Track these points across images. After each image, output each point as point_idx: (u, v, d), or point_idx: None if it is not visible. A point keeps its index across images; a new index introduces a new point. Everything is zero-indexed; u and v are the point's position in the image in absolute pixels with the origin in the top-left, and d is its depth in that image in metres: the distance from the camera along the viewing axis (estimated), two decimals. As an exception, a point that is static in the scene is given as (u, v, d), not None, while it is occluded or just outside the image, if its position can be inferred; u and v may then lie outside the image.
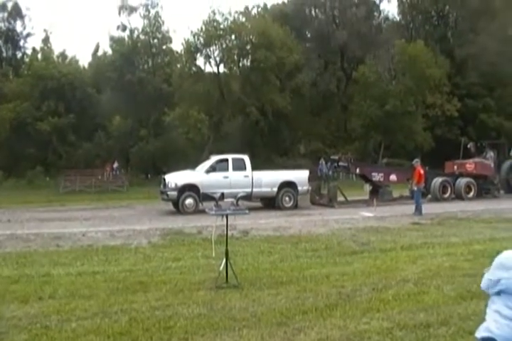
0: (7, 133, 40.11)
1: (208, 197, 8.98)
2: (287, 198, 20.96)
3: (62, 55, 47.08)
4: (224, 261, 7.74)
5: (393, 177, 24.13)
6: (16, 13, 47.98)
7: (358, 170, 24.42)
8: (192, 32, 38.41)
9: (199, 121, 36.25)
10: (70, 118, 39.72)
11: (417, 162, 19.38)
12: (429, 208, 18.53)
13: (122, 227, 15.09)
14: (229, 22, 39.11)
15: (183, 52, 40.58)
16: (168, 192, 19.94)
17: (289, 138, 42.55)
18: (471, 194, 24.12)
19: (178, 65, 41.57)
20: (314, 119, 43.69)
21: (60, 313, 6.49)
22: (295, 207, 21.12)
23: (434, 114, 42.08)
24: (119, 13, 42.87)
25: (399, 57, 40.64)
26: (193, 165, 22.39)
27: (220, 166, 20.48)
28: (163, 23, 43.64)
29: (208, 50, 38.42)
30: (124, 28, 43.49)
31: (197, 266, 9.19)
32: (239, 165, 20.60)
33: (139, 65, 43.46)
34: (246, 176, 20.46)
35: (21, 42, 49.12)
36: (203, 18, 39.77)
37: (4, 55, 48.61)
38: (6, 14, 47.96)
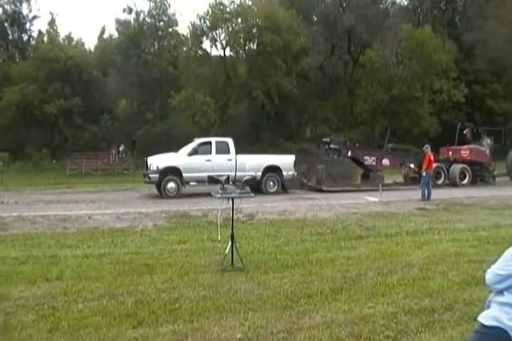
0: (14, 115, 40.14)
1: (214, 180, 8.91)
2: (271, 183, 20.71)
3: (68, 38, 46.88)
4: (229, 244, 7.78)
5: (386, 161, 23.91)
6: (22, -5, 47.68)
7: (349, 153, 23.71)
8: (198, 15, 38.26)
9: (205, 105, 36.11)
10: (76, 100, 39.65)
11: (427, 148, 19.37)
12: (434, 194, 18.48)
13: (128, 210, 15.15)
14: (235, 5, 38.92)
15: (189, 36, 40.36)
16: (150, 175, 19.69)
17: (295, 122, 42.44)
18: (466, 180, 23.95)
19: (184, 48, 41.36)
20: (320, 103, 43.50)
21: (67, 294, 6.56)
22: (284, 191, 20.99)
23: (440, 100, 41.79)
24: (125, -4, 42.63)
25: (406, 41, 40.28)
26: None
27: (203, 149, 20.15)
28: (169, 6, 43.50)
29: (214, 33, 38.22)
30: (130, 11, 43.26)
31: (202, 249, 9.24)
32: (222, 149, 20.31)
33: (145, 47, 43.23)
34: (229, 160, 20.18)
35: (27, 25, 48.75)
36: (209, 2, 39.55)
37: (10, 37, 48.30)
38: (12, -4, 47.61)
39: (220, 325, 5.44)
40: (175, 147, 22.00)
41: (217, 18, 37.28)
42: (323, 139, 25.79)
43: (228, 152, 20.36)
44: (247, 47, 40.05)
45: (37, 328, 5.42)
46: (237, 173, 19.83)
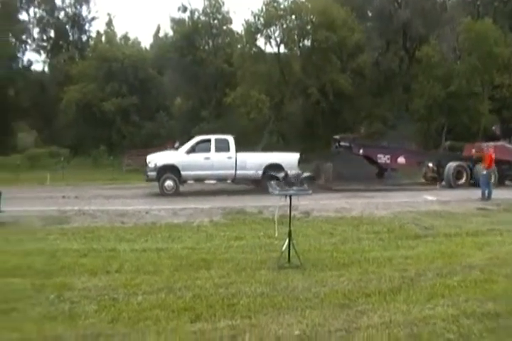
0: (74, 113, 41.33)
1: (271, 177, 8.91)
2: (273, 182, 20.10)
3: (125, 38, 47.87)
4: (287, 241, 7.78)
5: (401, 159, 22.54)
6: (82, -2, 49.21)
7: (361, 151, 22.56)
8: (252, 12, 38.27)
9: (260, 102, 36.13)
10: (133, 98, 40.49)
11: (488, 146, 18.68)
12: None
13: (184, 206, 15.29)
14: (289, 2, 38.76)
15: (243, 33, 40.49)
16: (148, 173, 19.60)
17: (350, 119, 41.97)
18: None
19: (239, 46, 41.47)
20: (376, 100, 42.89)
21: (127, 287, 6.73)
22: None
23: (501, 96, 40.45)
24: (180, -5, 43.12)
25: (465, 35, 39.10)
26: (253, 145, 22.34)
27: (202, 147, 19.78)
28: (223, 3, 43.77)
29: (268, 30, 38.17)
30: (184, 9, 43.75)
31: (259, 246, 9.28)
32: (222, 146, 19.85)
33: (200, 45, 43.61)
34: (229, 157, 19.74)
35: (86, 26, 50.53)
36: (263, -1, 39.57)
37: (71, 38, 49.94)
38: (73, 0, 49.11)
39: (278, 321, 5.44)
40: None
41: (272, 15, 37.23)
42: (334, 136, 24.49)
43: (228, 150, 19.87)
44: (301, 44, 39.87)
45: (99, 318, 5.60)
46: (238, 171, 19.71)
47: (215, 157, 19.62)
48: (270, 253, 8.51)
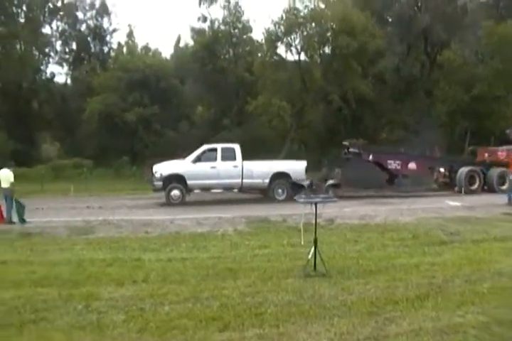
0: (96, 124, 41.72)
1: (297, 186, 8.90)
2: (280, 190, 19.69)
3: (146, 48, 48.20)
4: (312, 249, 7.75)
5: (412, 165, 22.19)
6: (103, 10, 49.90)
7: (371, 157, 22.07)
8: (272, 21, 38.31)
9: (281, 110, 36.14)
10: (155, 108, 40.68)
11: (502, 150, 18.39)
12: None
13: (207, 215, 15.34)
14: (309, 9, 38.72)
15: (263, 41, 40.56)
16: (154, 183, 19.68)
17: (372, 125, 41.77)
18: (505, 186, 20.79)
19: (259, 54, 41.55)
20: (397, 106, 42.61)
21: (154, 297, 6.76)
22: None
23: (526, 99, 39.96)
24: (200, 5, 43.22)
25: (487, 39, 38.73)
26: (275, 153, 22.29)
27: (208, 156, 19.75)
28: (243, 13, 43.85)
29: (288, 38, 38.19)
30: (204, 19, 43.92)
31: (284, 254, 9.26)
32: (228, 155, 19.79)
33: (221, 54, 43.76)
34: (235, 166, 19.67)
35: (108, 38, 50.99)
36: (283, 7, 39.59)
37: (92, 50, 50.59)
38: (94, 12, 50.01)
39: (306, 330, 5.43)
40: (251, 153, 22.02)
41: (292, 22, 37.22)
42: (343, 142, 23.83)
43: (234, 158, 19.82)
44: (321, 51, 39.83)
45: (127, 328, 5.65)
46: (244, 180, 19.64)
47: (221, 166, 19.61)
48: (295, 262, 8.49)
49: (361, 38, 36.50)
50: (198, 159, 19.74)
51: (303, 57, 39.41)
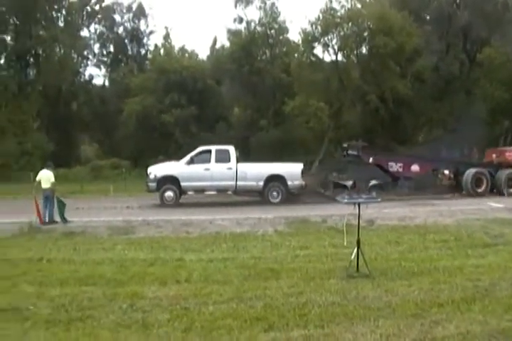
0: (134, 125, 42.24)
1: (339, 186, 8.86)
2: (275, 193, 19.47)
3: (182, 50, 48.58)
4: (355, 249, 7.71)
5: (415, 167, 21.40)
6: (140, 13, 50.71)
7: (371, 160, 21.22)
8: (309, 21, 38.19)
9: (319, 110, 36.02)
10: (192, 109, 40.93)
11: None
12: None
13: (247, 215, 15.36)
14: (346, 9, 38.49)
15: (300, 42, 40.47)
16: (148, 184, 19.65)
17: (411, 125, 41.27)
18: None
19: (296, 55, 41.45)
20: (436, 105, 41.98)
21: (197, 296, 6.81)
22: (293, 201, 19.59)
23: None
24: (236, 6, 43.40)
25: (529, 35, 37.95)
26: (313, 154, 22.14)
27: (202, 158, 19.61)
28: (279, 13, 43.81)
29: (325, 38, 38.02)
30: (240, 20, 44.02)
31: (325, 255, 9.23)
32: (222, 157, 19.59)
33: (257, 56, 43.74)
34: (229, 168, 19.47)
35: (145, 40, 51.85)
36: (319, 7, 39.45)
37: (130, 52, 51.37)
38: (131, 15, 50.90)
39: (351, 331, 5.41)
40: (289, 153, 21.99)
41: (329, 23, 37.03)
42: (344, 145, 23.31)
43: (229, 160, 19.65)
44: (358, 51, 39.53)
45: (172, 327, 5.69)
46: (238, 182, 19.44)
47: (215, 168, 19.49)
48: (337, 263, 8.46)
49: (398, 37, 36.09)
50: (191, 161, 19.75)
51: (340, 57, 39.21)
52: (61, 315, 6.14)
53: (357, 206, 7.83)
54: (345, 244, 8.73)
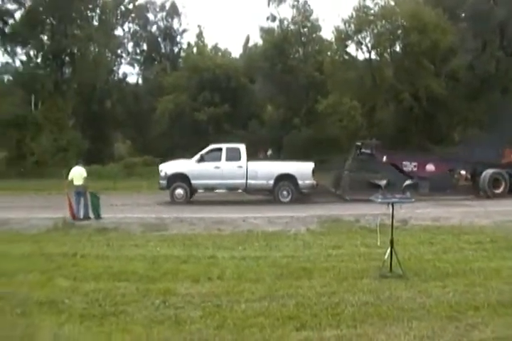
0: (167, 123, 42.56)
1: (373, 185, 8.78)
2: (285, 192, 19.39)
3: (215, 48, 48.72)
4: (389, 249, 7.63)
5: (430, 167, 20.94)
6: (173, 11, 51.08)
7: (385, 159, 21.01)
8: (342, 19, 38.01)
9: (352, 109, 35.82)
10: (225, 107, 40.99)
11: None
12: None
13: (279, 214, 15.32)
14: (379, 6, 38.15)
15: (333, 40, 40.31)
16: (160, 181, 19.72)
17: (445, 124, 40.66)
18: None
19: (329, 53, 41.27)
20: (471, 104, 41.28)
21: (229, 294, 6.81)
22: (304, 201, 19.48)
23: None
24: (268, 4, 43.37)
25: None
26: (346, 152, 21.86)
27: (213, 156, 19.70)
28: (312, 11, 43.69)
29: (359, 36, 37.78)
30: (273, 19, 43.98)
31: (358, 254, 9.17)
32: (233, 155, 19.63)
33: (290, 54, 43.67)
34: (240, 167, 19.49)
35: (178, 38, 52.16)
36: (352, 5, 39.17)
37: (163, 51, 51.79)
38: (164, 13, 51.32)
39: (384, 332, 5.34)
40: (321, 151, 21.87)
41: (362, 20, 36.80)
42: (357, 143, 22.62)
43: (239, 159, 19.66)
44: (392, 49, 39.12)
45: (205, 324, 5.70)
46: (249, 181, 19.41)
47: (226, 166, 19.56)
48: (370, 262, 8.38)
49: (433, 35, 35.61)
50: (202, 159, 19.81)
51: (373, 55, 38.93)
52: (95, 310, 6.22)
53: (390, 206, 7.73)
54: (378, 243, 8.63)
